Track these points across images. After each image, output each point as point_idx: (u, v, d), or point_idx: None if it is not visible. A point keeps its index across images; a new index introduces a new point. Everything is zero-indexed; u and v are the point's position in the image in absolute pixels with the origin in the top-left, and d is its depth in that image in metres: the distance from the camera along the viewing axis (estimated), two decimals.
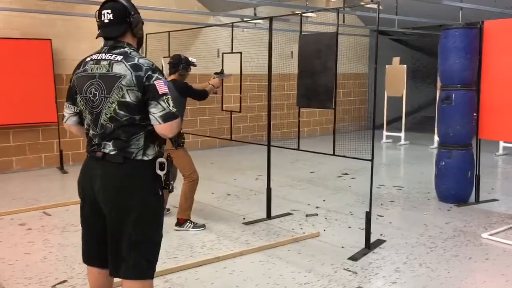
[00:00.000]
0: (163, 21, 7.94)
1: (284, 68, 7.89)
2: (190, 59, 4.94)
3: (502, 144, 8.87)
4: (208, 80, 5.21)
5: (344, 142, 5.67)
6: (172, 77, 4.81)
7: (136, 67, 2.24)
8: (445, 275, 3.72)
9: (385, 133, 10.94)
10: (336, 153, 4.69)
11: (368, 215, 4.24)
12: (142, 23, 2.41)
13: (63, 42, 7.97)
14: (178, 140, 4.59)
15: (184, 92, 4.73)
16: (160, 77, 2.26)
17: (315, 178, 7.25)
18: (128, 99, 2.23)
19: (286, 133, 10.53)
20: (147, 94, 2.23)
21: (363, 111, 13.29)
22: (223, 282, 3.63)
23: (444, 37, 5.59)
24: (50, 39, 7.71)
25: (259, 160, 7.34)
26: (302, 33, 4.71)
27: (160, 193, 2.36)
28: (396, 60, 10.49)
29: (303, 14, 8.71)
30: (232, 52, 5.58)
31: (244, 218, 5.18)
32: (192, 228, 4.76)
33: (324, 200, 5.95)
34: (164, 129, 2.26)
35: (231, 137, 6.09)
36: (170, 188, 2.39)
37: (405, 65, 10.34)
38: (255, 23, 8.49)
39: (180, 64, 4.82)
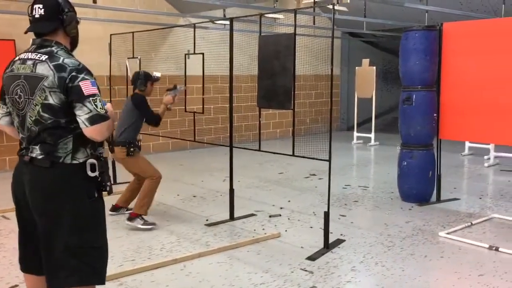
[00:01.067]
0: (132, 22, 7.87)
1: (255, 69, 7.91)
2: (153, 74, 5.01)
3: (467, 144, 9.04)
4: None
5: (316, 143, 5.69)
6: (135, 91, 4.97)
7: (59, 68, 2.16)
8: (399, 273, 3.76)
9: (355, 134, 11.04)
10: (295, 154, 4.70)
11: (327, 215, 4.27)
12: (77, 22, 2.34)
13: (27, 43, 7.80)
14: (128, 149, 4.72)
15: (138, 107, 4.85)
16: (87, 78, 2.17)
17: (283, 179, 7.28)
18: (51, 101, 2.15)
19: (256, 135, 10.58)
20: (71, 96, 2.14)
21: (336, 112, 13.40)
22: (178, 284, 3.60)
23: (404, 39, 5.67)
24: (14, 40, 7.56)
25: (228, 161, 7.33)
26: (262, 34, 4.72)
27: (97, 195, 2.29)
28: (365, 61, 10.61)
29: (269, 16, 8.76)
30: (194, 53, 5.56)
31: (207, 220, 5.16)
32: (142, 224, 4.77)
33: (289, 201, 5.97)
34: (91, 132, 2.17)
35: (194, 138, 6.07)
36: (108, 189, 2.32)
37: (374, 67, 10.47)
38: (225, 24, 8.48)
39: (137, 80, 4.94)
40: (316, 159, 4.52)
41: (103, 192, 2.33)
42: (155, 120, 4.93)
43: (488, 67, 5.13)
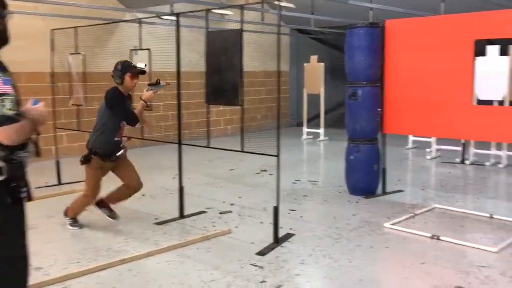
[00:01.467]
0: (76, 16, 7.60)
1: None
2: (138, 64, 4.43)
3: (411, 138, 9.38)
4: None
5: (266, 139, 5.70)
6: (115, 85, 4.43)
7: None
8: (347, 265, 3.85)
9: (305, 129, 11.20)
10: (244, 150, 4.71)
11: (276, 210, 4.30)
12: (3, 17, 2.18)
13: None
14: (85, 156, 4.40)
15: (108, 103, 4.29)
16: None
17: (234, 175, 7.28)
18: None
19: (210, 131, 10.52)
20: None
21: (285, 108, 13.53)
22: (126, 285, 3.53)
23: (349, 36, 5.80)
24: None
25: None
26: (209, 30, 4.68)
27: (10, 200, 2.10)
28: (314, 58, 10.77)
29: (217, 12, 8.70)
30: (140, 49, 5.45)
31: (156, 218, 5.08)
32: (70, 225, 4.72)
33: (240, 197, 5.98)
34: None
35: (141, 136, 5.95)
36: (23, 196, 2.14)
37: (322, 63, 10.64)
38: (171, 20, 8.36)
39: (114, 70, 4.37)
40: (265, 154, 4.53)
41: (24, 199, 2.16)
42: (130, 118, 4.38)
43: (427, 63, 5.34)
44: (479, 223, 4.92)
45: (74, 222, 4.73)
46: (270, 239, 4.36)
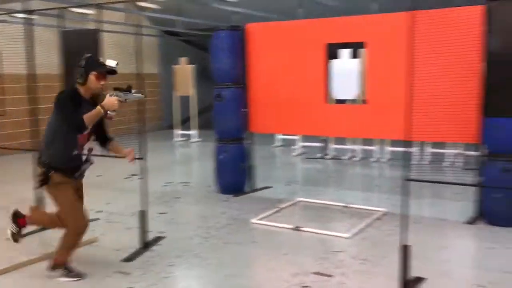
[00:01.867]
0: None
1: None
2: (107, 62, 3.51)
3: (278, 136, 9.85)
4: None
5: (137, 142, 5.55)
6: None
7: None
8: (215, 263, 3.93)
9: (177, 132, 11.15)
10: (106, 155, 4.53)
11: (142, 214, 4.23)
12: None
13: None
14: (41, 175, 3.43)
15: (57, 106, 3.37)
16: None
17: (102, 181, 6.97)
18: None
19: None
20: None
21: (156, 111, 13.33)
22: None
23: (214, 38, 5.91)
24: None
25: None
26: (65, 29, 4.44)
27: None
28: (183, 60, 10.77)
29: (77, 10, 8.29)
30: None
31: None
32: (65, 276, 3.59)
33: (108, 204, 5.75)
34: None
35: None
36: None
37: (192, 65, 10.68)
38: (25, 17, 7.73)
39: (77, 67, 3.45)
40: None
41: None
42: (75, 124, 3.35)
43: (286, 65, 5.66)
44: (336, 212, 5.34)
45: (69, 271, 3.59)
46: (138, 244, 4.27)
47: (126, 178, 7.14)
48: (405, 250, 3.27)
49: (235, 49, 5.83)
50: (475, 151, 7.46)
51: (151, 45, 12.89)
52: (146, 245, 4.24)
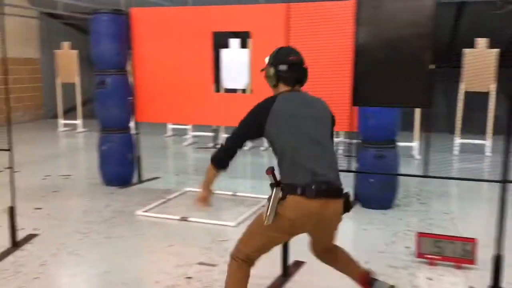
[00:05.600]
0: None
1: None
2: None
3: (170, 126, 9.66)
4: None
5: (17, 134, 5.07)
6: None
7: None
8: (94, 258, 3.73)
9: (61, 121, 10.45)
10: None
11: (11, 211, 3.88)
12: None
13: None
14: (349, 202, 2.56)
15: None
16: None
17: None
18: None
19: None
20: None
21: (39, 99, 12.38)
22: None
23: (94, 22, 5.58)
24: None
25: None
26: None
27: None
28: (66, 45, 10.08)
29: None
30: None
31: None
32: None
33: None
34: None
35: None
36: None
37: (76, 51, 10.04)
38: None
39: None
40: None
41: None
42: None
43: (173, 52, 5.51)
44: (225, 201, 5.35)
45: None
46: (7, 244, 3.91)
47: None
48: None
49: (118, 34, 5.56)
50: (355, 139, 7.98)
51: (30, 27, 11.90)
52: (16, 244, 3.89)
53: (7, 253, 3.77)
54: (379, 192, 4.95)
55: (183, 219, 4.63)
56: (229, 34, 8.04)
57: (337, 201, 2.49)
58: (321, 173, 2.43)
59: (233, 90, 7.75)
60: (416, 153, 7.72)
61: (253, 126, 2.66)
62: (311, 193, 2.38)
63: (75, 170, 6.82)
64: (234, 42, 7.80)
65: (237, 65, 7.48)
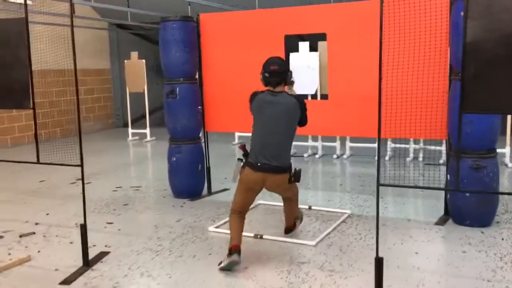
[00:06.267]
0: None
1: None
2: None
3: (237, 134, 9.44)
4: None
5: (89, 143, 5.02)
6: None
7: None
8: (166, 281, 3.49)
9: (130, 130, 10.55)
10: (41, 161, 4.01)
11: (83, 228, 3.73)
12: None
13: None
14: (297, 176, 3.79)
15: (303, 108, 3.82)
16: None
17: (43, 188, 6.36)
18: None
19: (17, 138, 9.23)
20: None
21: (109, 108, 12.64)
22: None
23: (163, 30, 5.42)
24: None
25: None
26: None
27: None
28: (134, 55, 10.16)
29: (13, 0, 7.56)
30: None
31: None
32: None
33: (47, 214, 5.19)
34: None
35: None
36: None
37: (143, 60, 10.09)
38: None
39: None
40: (64, 165, 3.91)
41: None
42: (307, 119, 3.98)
43: (242, 58, 5.26)
44: None
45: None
46: (79, 263, 3.77)
47: (72, 183, 6.55)
48: (378, 264, 2.95)
49: (187, 42, 5.36)
50: (437, 145, 7.35)
51: (101, 39, 12.18)
52: (88, 264, 3.74)
53: (79, 273, 3.62)
54: (476, 207, 4.38)
55: (257, 236, 4.31)
56: (297, 38, 7.71)
57: (276, 175, 3.66)
58: (264, 156, 3.63)
59: (304, 96, 7.41)
60: (508, 161, 6.97)
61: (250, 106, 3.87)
62: (254, 168, 3.66)
63: (144, 181, 6.73)
64: (303, 46, 7.44)
65: (307, 70, 7.13)
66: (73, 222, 4.89)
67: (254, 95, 3.84)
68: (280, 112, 3.66)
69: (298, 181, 3.80)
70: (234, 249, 3.58)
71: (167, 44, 5.39)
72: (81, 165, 3.71)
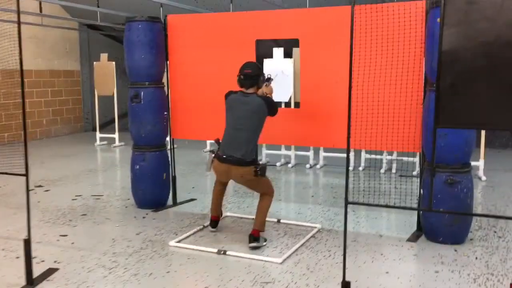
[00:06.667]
0: None
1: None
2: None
3: (209, 140, 9.15)
4: None
5: (54, 147, 4.67)
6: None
7: None
8: None
9: (98, 135, 10.17)
10: None
11: (27, 244, 3.41)
12: None
13: None
14: (262, 170, 4.08)
15: (271, 105, 4.21)
16: None
17: None
18: None
19: None
20: None
21: (79, 111, 12.20)
22: None
23: (128, 30, 5.14)
24: None
25: None
26: None
27: None
28: (103, 56, 9.80)
29: None
30: None
31: None
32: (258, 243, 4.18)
33: None
34: None
35: None
36: None
37: (113, 62, 9.73)
38: None
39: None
40: (7, 173, 3.58)
41: None
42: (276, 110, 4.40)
43: (211, 63, 5.01)
44: (267, 229, 4.73)
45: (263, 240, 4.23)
46: (23, 280, 3.44)
47: (30, 190, 6.14)
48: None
49: (153, 44, 5.09)
50: (410, 156, 7.21)
51: (71, 39, 11.76)
52: (31, 282, 3.42)
53: None
54: (449, 224, 4.21)
55: (221, 252, 4.05)
56: (272, 43, 7.51)
57: (239, 167, 4.00)
58: (229, 150, 4.03)
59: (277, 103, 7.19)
60: (481, 174, 6.88)
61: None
62: (221, 160, 4.07)
63: (108, 189, 6.39)
64: (278, 52, 7.24)
65: (281, 76, 6.92)
66: (24, 234, 4.52)
67: (228, 94, 4.24)
68: (248, 112, 4.05)
69: (263, 175, 4.05)
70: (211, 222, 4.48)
71: (132, 45, 5.10)
72: (26, 175, 3.39)
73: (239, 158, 4.00)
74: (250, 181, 4.14)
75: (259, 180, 4.11)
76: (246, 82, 4.13)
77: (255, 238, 4.15)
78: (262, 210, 4.23)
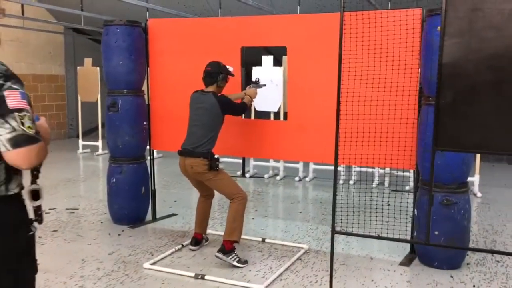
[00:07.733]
0: None
1: None
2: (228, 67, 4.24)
3: None
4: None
5: None
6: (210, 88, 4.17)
7: None
8: None
9: (81, 142, 9.81)
10: None
11: None
12: None
13: None
14: (212, 163, 3.98)
15: (226, 105, 4.14)
16: (16, 87, 1.70)
17: None
18: None
19: None
20: None
21: (62, 117, 11.84)
22: None
23: (105, 34, 4.83)
24: None
25: None
26: None
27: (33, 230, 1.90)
28: (87, 61, 9.47)
29: None
30: None
31: None
32: (237, 262, 3.95)
33: None
34: (14, 157, 1.68)
35: None
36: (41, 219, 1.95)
37: (98, 68, 9.40)
38: None
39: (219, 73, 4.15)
40: None
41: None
42: (243, 109, 4.38)
43: (195, 69, 4.68)
44: (251, 250, 4.43)
45: (240, 258, 3.99)
46: None
47: None
48: None
49: (132, 49, 4.79)
50: (403, 171, 6.93)
51: (56, 43, 11.43)
52: None
53: None
54: (445, 248, 3.92)
55: (199, 277, 3.73)
56: (262, 50, 7.23)
57: (191, 158, 4.02)
58: (185, 143, 4.12)
59: (266, 113, 6.91)
60: (476, 190, 6.61)
61: None
62: (179, 153, 4.13)
63: (84, 202, 6.04)
64: (267, 60, 6.96)
65: (270, 85, 6.63)
66: None
67: (192, 93, 4.26)
68: (201, 110, 4.09)
69: (214, 168, 3.98)
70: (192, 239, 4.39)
71: (109, 50, 4.80)
72: None
73: (190, 150, 4.05)
74: (207, 179, 4.03)
75: (216, 177, 4.01)
76: (205, 80, 4.14)
77: (224, 251, 3.92)
78: (232, 215, 4.00)
